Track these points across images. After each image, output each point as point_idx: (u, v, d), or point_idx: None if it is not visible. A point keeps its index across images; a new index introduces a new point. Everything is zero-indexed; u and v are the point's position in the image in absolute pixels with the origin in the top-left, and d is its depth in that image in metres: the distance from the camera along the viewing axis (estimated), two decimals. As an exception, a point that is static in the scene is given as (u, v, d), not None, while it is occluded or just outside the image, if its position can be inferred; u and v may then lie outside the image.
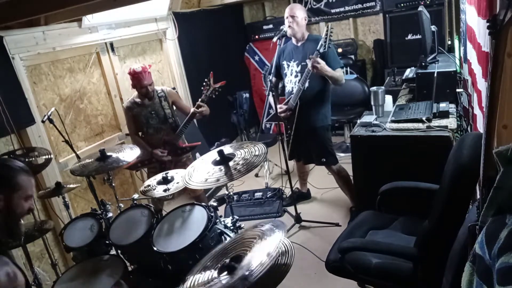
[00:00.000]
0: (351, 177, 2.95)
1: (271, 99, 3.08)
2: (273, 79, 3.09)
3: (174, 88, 4.20)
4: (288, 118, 3.04)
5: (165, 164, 2.99)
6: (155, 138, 3.04)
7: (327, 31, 2.68)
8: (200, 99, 2.90)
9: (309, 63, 2.71)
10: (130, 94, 3.16)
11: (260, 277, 1.18)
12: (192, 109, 2.94)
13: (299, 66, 2.93)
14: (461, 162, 1.48)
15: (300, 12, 2.88)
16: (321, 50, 2.68)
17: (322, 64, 2.68)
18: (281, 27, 2.97)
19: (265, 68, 5.11)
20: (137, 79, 2.88)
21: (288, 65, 3.02)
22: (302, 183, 3.63)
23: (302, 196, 3.62)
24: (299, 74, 2.92)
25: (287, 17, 2.88)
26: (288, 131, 3.11)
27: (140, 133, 3.11)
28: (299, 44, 2.97)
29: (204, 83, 2.88)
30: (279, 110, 3.03)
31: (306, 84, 2.88)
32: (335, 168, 3.10)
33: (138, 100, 3.00)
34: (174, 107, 3.13)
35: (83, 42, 3.18)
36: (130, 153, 2.46)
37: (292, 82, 2.99)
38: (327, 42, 2.67)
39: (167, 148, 3.01)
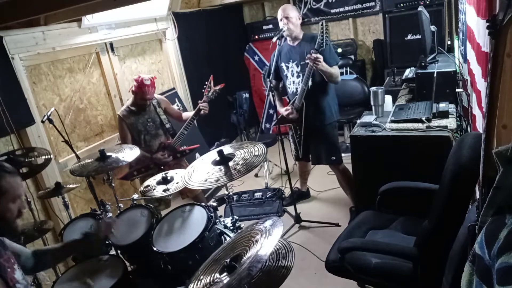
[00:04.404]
0: (351, 177, 2.95)
1: (275, 100, 3.07)
2: (274, 82, 3.09)
3: (173, 89, 4.22)
4: (295, 120, 3.03)
5: (164, 169, 2.97)
6: (153, 145, 3.04)
7: (322, 28, 2.67)
8: (202, 100, 2.96)
9: (309, 60, 2.70)
10: (130, 95, 3.15)
11: (260, 279, 1.17)
12: (199, 104, 2.97)
13: (299, 66, 2.92)
14: (461, 162, 1.48)
15: (293, 12, 2.89)
16: (319, 48, 2.67)
17: (321, 59, 2.68)
18: (281, 27, 2.97)
19: (265, 68, 5.11)
20: (143, 91, 2.87)
21: (287, 67, 3.01)
22: (303, 182, 3.63)
23: (302, 195, 3.62)
24: (300, 74, 2.91)
25: (281, 19, 2.88)
26: (298, 132, 3.10)
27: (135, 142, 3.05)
28: (296, 44, 2.96)
29: (205, 86, 2.96)
30: (285, 113, 3.02)
31: (310, 83, 2.88)
32: (341, 167, 3.10)
33: (133, 108, 3.00)
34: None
35: (83, 42, 3.18)
36: (130, 153, 2.44)
37: (295, 83, 2.99)
38: (324, 39, 2.66)
39: (167, 152, 3.02)
